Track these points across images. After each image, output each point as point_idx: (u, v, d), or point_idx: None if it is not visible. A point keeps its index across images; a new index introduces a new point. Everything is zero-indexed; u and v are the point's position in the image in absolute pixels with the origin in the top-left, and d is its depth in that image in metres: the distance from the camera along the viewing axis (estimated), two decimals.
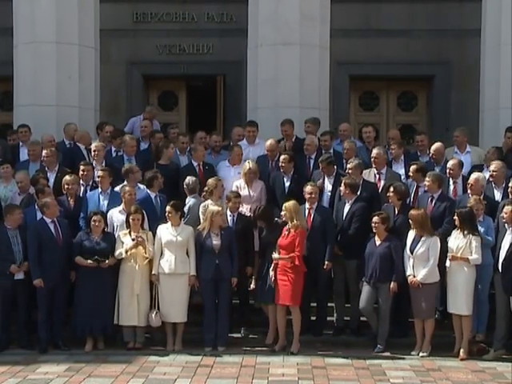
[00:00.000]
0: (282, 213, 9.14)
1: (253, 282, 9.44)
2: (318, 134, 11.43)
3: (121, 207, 9.62)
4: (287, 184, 10.21)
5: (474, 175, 9.65)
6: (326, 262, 9.34)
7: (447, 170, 10.05)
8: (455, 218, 8.98)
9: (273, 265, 9.10)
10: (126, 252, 9.11)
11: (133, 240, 9.11)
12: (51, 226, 9.19)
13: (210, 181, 9.76)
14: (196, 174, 10.35)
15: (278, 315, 9.15)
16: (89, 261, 9.11)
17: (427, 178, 9.56)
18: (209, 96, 15.60)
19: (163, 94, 16.32)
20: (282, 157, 10.26)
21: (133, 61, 15.78)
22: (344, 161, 10.63)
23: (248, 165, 10.14)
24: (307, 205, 9.50)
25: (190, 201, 9.83)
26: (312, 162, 10.74)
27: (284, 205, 9.15)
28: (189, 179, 9.88)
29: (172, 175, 10.30)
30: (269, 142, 10.61)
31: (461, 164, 10.13)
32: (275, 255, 9.05)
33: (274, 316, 9.26)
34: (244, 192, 10.00)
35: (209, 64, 15.55)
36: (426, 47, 15.23)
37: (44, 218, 9.24)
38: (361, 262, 9.29)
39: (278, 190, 10.23)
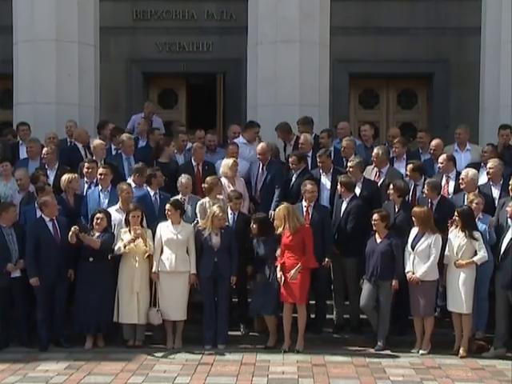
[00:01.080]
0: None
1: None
2: (317, 131, 11.42)
3: (117, 206, 9.61)
4: (293, 181, 10.22)
5: (465, 170, 9.72)
6: (326, 259, 9.33)
7: (438, 165, 10.10)
8: (455, 217, 8.97)
9: (279, 265, 9.01)
10: (125, 246, 9.08)
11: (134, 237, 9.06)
12: (49, 225, 9.16)
13: (209, 179, 9.75)
14: (194, 173, 10.37)
15: (285, 314, 9.08)
16: (72, 228, 9.02)
17: (425, 187, 9.54)
18: (209, 94, 15.56)
19: (163, 92, 16.29)
20: (291, 159, 10.28)
21: (132, 58, 15.76)
22: (344, 159, 10.61)
23: (230, 161, 10.16)
24: (305, 203, 9.47)
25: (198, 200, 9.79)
26: (309, 160, 10.68)
27: (276, 213, 9.14)
28: (183, 177, 9.86)
29: (172, 174, 10.25)
30: (260, 146, 10.50)
31: (452, 158, 10.15)
32: (291, 274, 8.89)
33: (275, 323, 9.20)
34: (228, 190, 9.99)
35: (208, 62, 15.52)
36: (426, 45, 15.20)
37: (43, 216, 9.22)
38: (359, 259, 9.27)
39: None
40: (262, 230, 9.19)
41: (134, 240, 9.06)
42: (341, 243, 9.50)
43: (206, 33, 15.67)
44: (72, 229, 9.04)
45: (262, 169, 10.43)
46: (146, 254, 9.15)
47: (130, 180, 10.08)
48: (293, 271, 8.89)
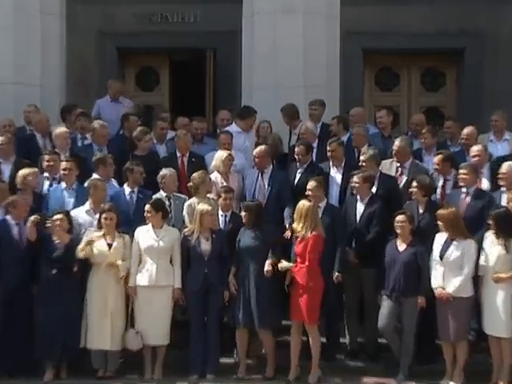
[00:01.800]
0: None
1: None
2: (325, 118, 11.54)
3: (87, 206, 9.57)
4: (297, 177, 10.24)
5: (507, 163, 9.67)
6: (336, 274, 9.27)
7: (472, 158, 10.08)
8: (490, 221, 8.91)
9: (288, 278, 9.02)
10: (83, 251, 8.96)
11: (108, 245, 9.07)
12: (15, 229, 9.23)
13: (196, 175, 9.75)
14: (177, 166, 10.44)
15: (293, 334, 9.06)
16: (31, 217, 9.04)
17: (462, 170, 9.54)
18: (196, 73, 15.46)
19: (142, 71, 16.19)
20: (297, 149, 10.29)
21: (105, 31, 15.64)
22: (355, 150, 10.71)
23: (224, 153, 10.25)
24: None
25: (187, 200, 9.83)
26: (315, 151, 10.74)
27: (297, 207, 9.11)
28: (165, 171, 9.86)
29: (152, 168, 10.17)
30: (258, 149, 10.40)
31: (487, 151, 10.23)
32: (283, 263, 8.99)
33: (272, 343, 9.16)
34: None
35: (196, 35, 15.39)
36: (456, 14, 15.05)
37: (7, 218, 9.26)
38: (379, 271, 9.24)
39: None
40: (254, 220, 9.20)
41: (90, 243, 8.97)
42: (359, 252, 9.46)
43: (192, 1, 15.52)
44: (31, 218, 9.08)
45: (262, 178, 10.28)
46: (121, 275, 9.09)
47: (95, 175, 9.99)
48: (285, 263, 8.97)
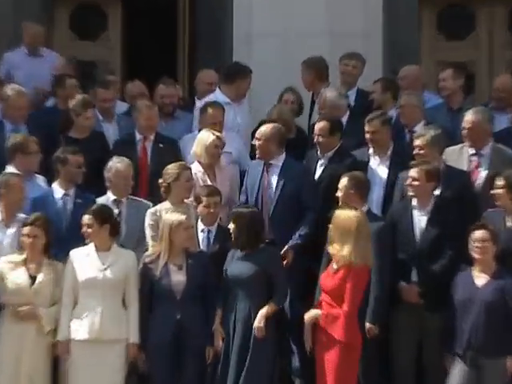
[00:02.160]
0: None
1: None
2: (362, 81, 12.13)
3: None
4: (319, 171, 10.33)
5: None
6: (368, 325, 9.31)
7: None
8: None
9: (308, 333, 8.98)
10: None
11: (31, 278, 9.13)
12: None
13: (171, 168, 9.91)
14: (136, 155, 10.69)
15: None
16: None
17: None
18: (164, 16, 15.36)
19: (80, 10, 16.03)
20: (318, 126, 10.39)
21: None
22: (405, 129, 11.13)
23: (209, 135, 10.40)
24: None
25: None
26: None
27: (333, 217, 9.05)
28: (116, 161, 10.04)
29: (96, 158, 10.40)
30: (264, 127, 10.50)
31: None
32: (311, 313, 9.01)
33: None
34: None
35: None
36: None
37: None
38: (446, 317, 9.26)
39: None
40: (248, 236, 9.21)
41: None
42: (424, 287, 9.47)
43: None
44: None
45: (268, 172, 10.38)
46: (46, 330, 9.14)
47: (11, 168, 10.14)
48: (313, 312, 8.98)
